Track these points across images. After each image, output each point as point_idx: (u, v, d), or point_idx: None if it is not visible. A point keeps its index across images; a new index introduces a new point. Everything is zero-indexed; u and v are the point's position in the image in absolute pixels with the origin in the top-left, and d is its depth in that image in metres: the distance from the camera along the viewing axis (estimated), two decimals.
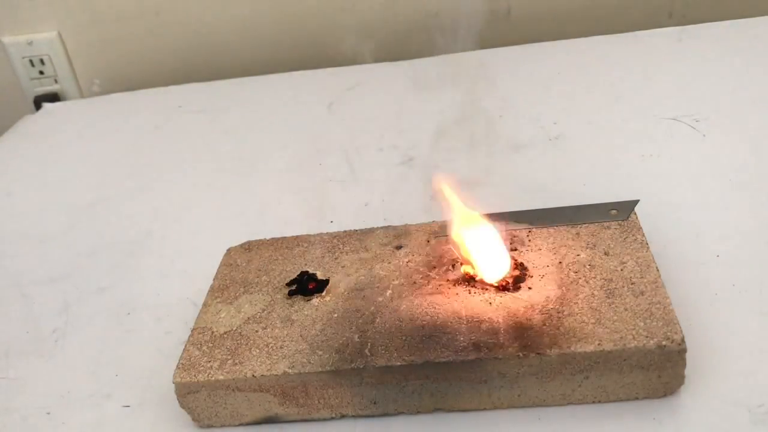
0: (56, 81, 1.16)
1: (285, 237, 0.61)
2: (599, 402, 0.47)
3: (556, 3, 1.04)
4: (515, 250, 0.54)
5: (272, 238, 0.61)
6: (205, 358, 0.50)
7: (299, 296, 0.54)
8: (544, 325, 0.47)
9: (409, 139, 0.82)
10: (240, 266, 0.58)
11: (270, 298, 0.54)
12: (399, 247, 0.56)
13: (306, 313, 0.52)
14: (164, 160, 0.89)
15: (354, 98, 0.95)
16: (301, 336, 0.50)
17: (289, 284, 0.55)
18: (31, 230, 0.79)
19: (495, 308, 0.49)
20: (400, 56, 1.04)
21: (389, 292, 0.52)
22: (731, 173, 0.65)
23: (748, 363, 0.47)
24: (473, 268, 0.52)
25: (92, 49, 1.14)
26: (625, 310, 0.46)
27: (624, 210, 0.55)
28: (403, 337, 0.48)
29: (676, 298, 0.50)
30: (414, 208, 0.69)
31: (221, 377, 0.48)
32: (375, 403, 0.48)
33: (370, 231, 0.59)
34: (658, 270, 0.49)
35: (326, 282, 0.54)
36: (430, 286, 0.52)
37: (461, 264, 0.52)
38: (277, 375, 0.48)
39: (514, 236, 0.55)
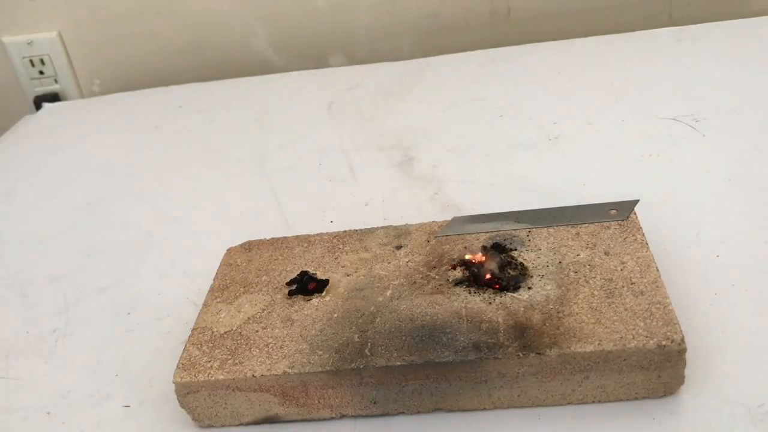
0: (56, 81, 1.16)
1: (285, 237, 0.61)
2: (599, 402, 0.47)
3: (556, 3, 1.04)
4: (515, 250, 0.54)
5: (272, 238, 0.61)
6: (205, 358, 0.50)
7: (299, 296, 0.54)
8: (544, 325, 0.47)
9: (409, 139, 0.82)
10: (240, 266, 0.58)
11: (270, 298, 0.54)
12: (399, 247, 0.56)
13: (306, 313, 0.52)
14: (164, 160, 0.89)
15: (354, 98, 0.95)
16: (301, 336, 0.50)
17: (289, 284, 0.55)
18: (31, 230, 0.79)
19: (495, 308, 0.49)
20: (400, 56, 1.04)
21: (389, 292, 0.52)
22: (731, 173, 0.65)
23: (748, 363, 0.47)
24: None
25: (92, 49, 1.14)
26: (625, 310, 0.46)
27: (624, 210, 0.55)
28: (403, 337, 0.48)
29: (676, 298, 0.50)
30: (414, 208, 0.69)
31: (221, 377, 0.48)
32: (375, 403, 0.48)
33: (370, 231, 0.59)
34: (658, 270, 0.49)
35: (326, 282, 0.54)
36: (430, 286, 0.52)
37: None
38: (277, 375, 0.48)
39: (514, 236, 0.55)
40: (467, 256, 0.53)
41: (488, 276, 0.51)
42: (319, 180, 0.78)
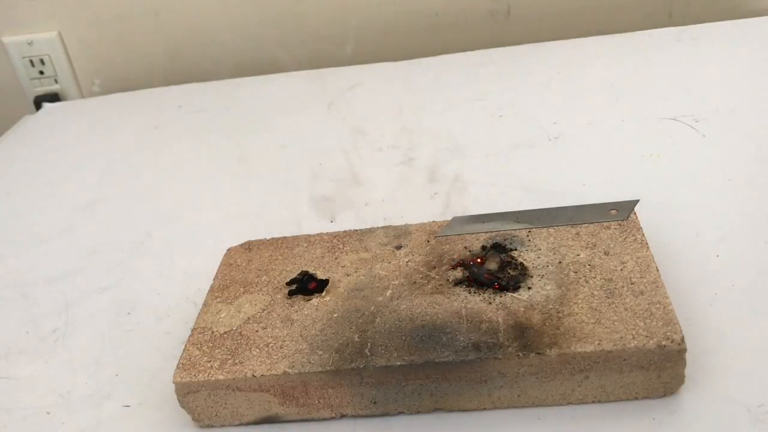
0: (56, 81, 1.16)
1: (285, 237, 0.61)
2: (599, 402, 0.47)
3: (556, 3, 1.04)
4: (515, 250, 0.54)
5: (272, 238, 0.61)
6: (205, 358, 0.50)
7: (299, 296, 0.54)
8: (544, 324, 0.47)
9: (409, 139, 0.82)
10: (240, 266, 0.58)
11: (270, 298, 0.54)
12: (399, 247, 0.56)
13: (306, 313, 0.52)
14: (164, 161, 0.89)
15: (354, 98, 0.95)
16: (301, 336, 0.50)
17: (289, 284, 0.55)
18: (31, 230, 0.79)
19: (495, 308, 0.49)
20: (400, 56, 1.04)
21: (389, 292, 0.52)
22: (731, 173, 0.65)
23: (748, 363, 0.47)
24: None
25: (92, 49, 1.14)
26: (625, 310, 0.46)
27: (624, 210, 0.55)
28: (403, 337, 0.48)
29: (676, 298, 0.50)
30: (414, 208, 0.69)
31: (221, 377, 0.48)
32: (375, 403, 0.48)
33: (370, 231, 0.59)
34: (658, 270, 0.49)
35: (326, 282, 0.54)
36: (430, 286, 0.52)
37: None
38: (277, 375, 0.48)
39: (514, 236, 0.55)
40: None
41: (488, 276, 0.51)
42: (319, 180, 0.78)
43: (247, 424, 0.50)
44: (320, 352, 0.48)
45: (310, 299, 0.53)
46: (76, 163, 0.93)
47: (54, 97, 1.16)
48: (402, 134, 0.84)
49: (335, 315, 0.51)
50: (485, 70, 0.95)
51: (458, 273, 0.52)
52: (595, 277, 0.50)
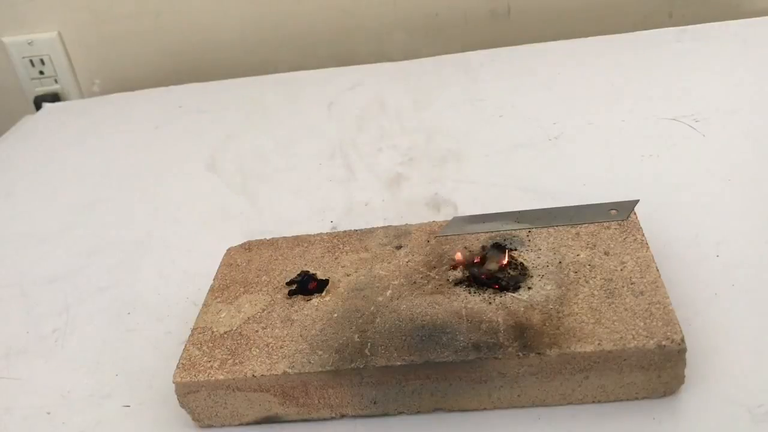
0: (56, 81, 1.16)
1: (285, 237, 0.61)
2: (599, 402, 0.47)
3: (556, 3, 1.04)
4: (515, 250, 0.54)
5: (272, 238, 0.61)
6: (205, 358, 0.50)
7: (299, 296, 0.54)
8: (544, 324, 0.47)
9: (409, 139, 0.82)
10: (240, 266, 0.58)
11: (270, 298, 0.54)
12: (399, 247, 0.56)
13: (306, 313, 0.52)
14: (164, 160, 0.89)
15: (354, 98, 0.95)
16: (301, 336, 0.50)
17: (289, 284, 0.55)
18: (31, 230, 0.79)
19: (495, 308, 0.49)
20: (400, 56, 1.04)
21: (389, 292, 0.52)
22: (731, 173, 0.65)
23: (748, 363, 0.47)
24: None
25: (92, 49, 1.14)
26: (625, 310, 0.46)
27: (624, 210, 0.55)
28: (403, 337, 0.48)
29: (676, 298, 0.50)
30: (414, 208, 0.69)
31: (221, 377, 0.48)
32: (375, 403, 0.48)
33: (370, 231, 0.59)
34: (658, 270, 0.49)
35: (326, 282, 0.54)
36: (430, 286, 0.52)
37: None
38: (277, 375, 0.48)
39: (514, 236, 0.55)
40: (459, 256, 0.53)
41: (486, 276, 0.51)
42: (319, 180, 0.78)
43: (247, 424, 0.50)
44: (320, 352, 0.48)
45: (310, 299, 0.53)
46: (76, 163, 0.93)
47: (54, 97, 1.16)
48: (402, 134, 0.84)
49: (335, 315, 0.51)
50: (485, 70, 0.95)
51: (458, 273, 0.52)
52: (595, 277, 0.50)
